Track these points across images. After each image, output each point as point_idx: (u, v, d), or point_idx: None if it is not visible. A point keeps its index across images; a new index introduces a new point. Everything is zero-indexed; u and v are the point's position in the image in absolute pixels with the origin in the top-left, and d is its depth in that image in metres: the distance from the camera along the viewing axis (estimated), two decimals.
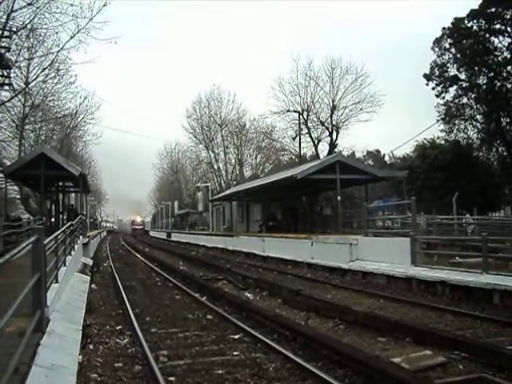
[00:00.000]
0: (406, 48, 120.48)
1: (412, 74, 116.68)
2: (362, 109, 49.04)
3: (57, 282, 9.50)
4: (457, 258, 17.43)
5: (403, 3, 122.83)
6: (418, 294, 14.00)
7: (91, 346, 8.73)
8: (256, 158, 67.09)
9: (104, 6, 25.85)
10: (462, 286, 13.01)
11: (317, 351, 8.09)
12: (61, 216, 30.85)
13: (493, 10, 38.51)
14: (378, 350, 8.25)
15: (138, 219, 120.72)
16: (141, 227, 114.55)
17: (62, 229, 12.97)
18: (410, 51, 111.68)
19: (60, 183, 31.52)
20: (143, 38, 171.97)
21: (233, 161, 68.12)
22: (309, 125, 50.51)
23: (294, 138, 50.42)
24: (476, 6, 39.02)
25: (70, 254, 14.35)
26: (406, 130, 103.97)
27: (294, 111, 49.53)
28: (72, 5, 25.53)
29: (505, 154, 42.05)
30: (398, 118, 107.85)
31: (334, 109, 49.38)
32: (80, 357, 7.16)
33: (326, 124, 49.98)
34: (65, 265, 11.95)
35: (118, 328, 10.61)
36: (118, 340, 9.46)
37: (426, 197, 36.09)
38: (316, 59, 76.22)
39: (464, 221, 28.47)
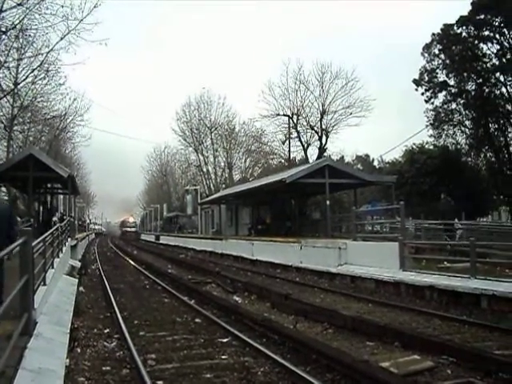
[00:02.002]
0: (397, 54, 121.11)
1: (402, 79, 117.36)
2: (351, 113, 49.54)
3: (44, 284, 9.46)
4: (445, 262, 17.49)
5: (399, 8, 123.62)
6: (406, 299, 14.04)
7: (79, 350, 8.67)
8: (245, 161, 67.19)
9: (94, 7, 25.68)
10: (450, 291, 13.05)
11: (305, 355, 8.08)
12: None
13: (482, 16, 38.79)
14: (367, 354, 8.26)
15: (131, 220, 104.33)
16: (133, 230, 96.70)
17: (50, 231, 12.90)
18: (400, 57, 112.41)
19: (48, 185, 31.35)
20: (133, 41, 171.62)
21: (222, 164, 68.20)
22: (298, 129, 50.83)
23: (283, 142, 50.69)
24: (465, 13, 39.39)
25: (58, 257, 14.29)
26: (396, 134, 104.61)
27: (284, 115, 49.80)
28: (62, 6, 25.34)
29: (493, 159, 42.32)
30: (388, 123, 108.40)
31: (323, 113, 49.69)
32: (67, 360, 7.12)
33: (315, 128, 50.29)
34: (53, 267, 11.90)
35: (105, 331, 10.54)
36: (105, 343, 9.40)
37: (415, 201, 36.22)
38: (306, 63, 76.35)
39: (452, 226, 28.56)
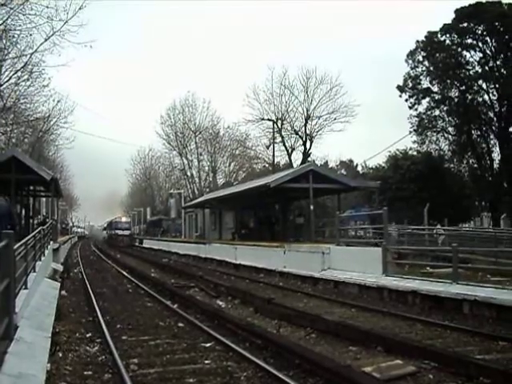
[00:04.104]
0: (383, 61, 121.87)
1: (388, 85, 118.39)
2: (335, 118, 49.85)
3: (26, 288, 9.34)
4: (428, 268, 17.60)
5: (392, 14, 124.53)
6: (389, 304, 14.08)
7: (60, 354, 8.57)
8: (229, 165, 67.28)
9: (80, 9, 25.51)
10: (432, 296, 13.14)
11: (288, 360, 8.07)
12: (31, 221, 30.38)
13: (465, 24, 39.36)
14: (350, 359, 8.27)
15: (123, 219, 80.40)
16: (127, 233, 74.72)
17: (32, 234, 12.78)
18: (386, 64, 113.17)
19: (31, 187, 31.06)
20: (119, 43, 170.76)
21: (206, 168, 68.17)
22: (283, 134, 50.99)
23: (267, 147, 50.71)
24: (449, 21, 39.89)
25: (40, 260, 14.14)
26: (380, 140, 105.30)
27: (269, 120, 49.82)
28: (47, 7, 25.11)
29: (475, 166, 42.85)
30: (373, 129, 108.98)
31: (308, 118, 49.92)
32: (48, 365, 7.04)
33: (299, 133, 50.54)
34: (34, 270, 11.77)
35: (87, 335, 10.44)
36: (87, 348, 9.31)
37: (398, 207, 36.48)
38: (291, 68, 76.54)
39: (435, 231, 28.81)
